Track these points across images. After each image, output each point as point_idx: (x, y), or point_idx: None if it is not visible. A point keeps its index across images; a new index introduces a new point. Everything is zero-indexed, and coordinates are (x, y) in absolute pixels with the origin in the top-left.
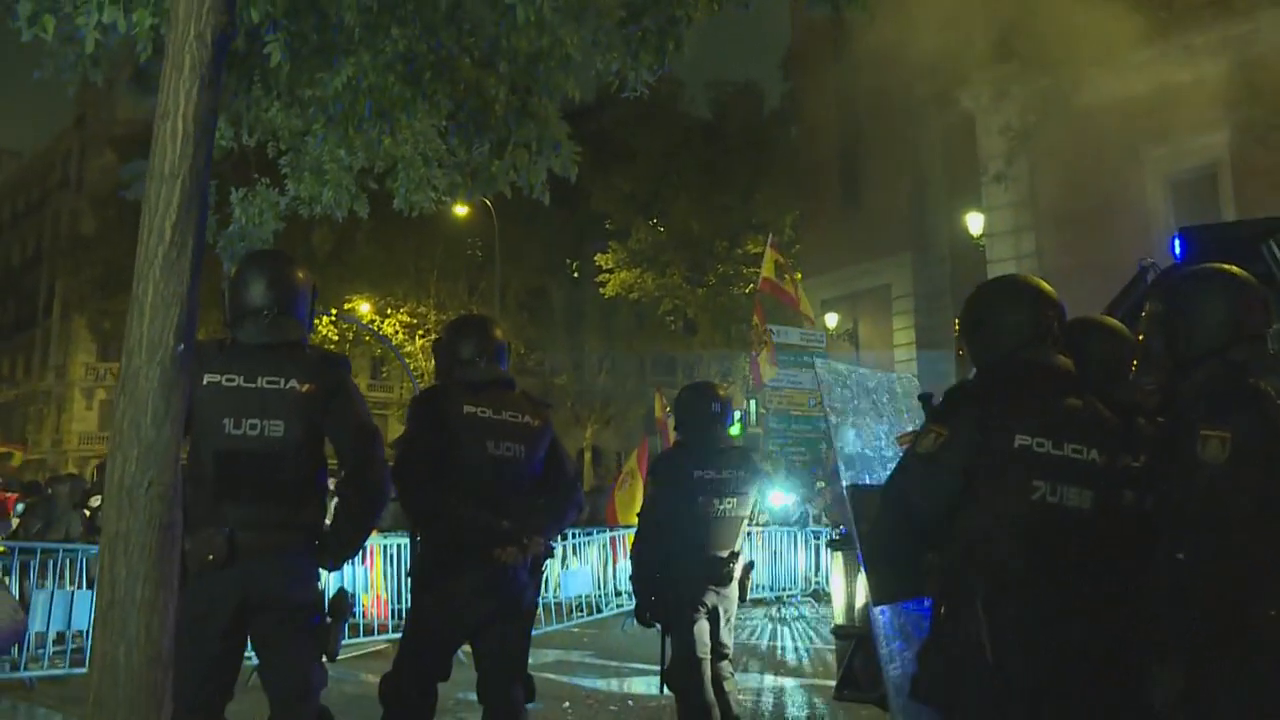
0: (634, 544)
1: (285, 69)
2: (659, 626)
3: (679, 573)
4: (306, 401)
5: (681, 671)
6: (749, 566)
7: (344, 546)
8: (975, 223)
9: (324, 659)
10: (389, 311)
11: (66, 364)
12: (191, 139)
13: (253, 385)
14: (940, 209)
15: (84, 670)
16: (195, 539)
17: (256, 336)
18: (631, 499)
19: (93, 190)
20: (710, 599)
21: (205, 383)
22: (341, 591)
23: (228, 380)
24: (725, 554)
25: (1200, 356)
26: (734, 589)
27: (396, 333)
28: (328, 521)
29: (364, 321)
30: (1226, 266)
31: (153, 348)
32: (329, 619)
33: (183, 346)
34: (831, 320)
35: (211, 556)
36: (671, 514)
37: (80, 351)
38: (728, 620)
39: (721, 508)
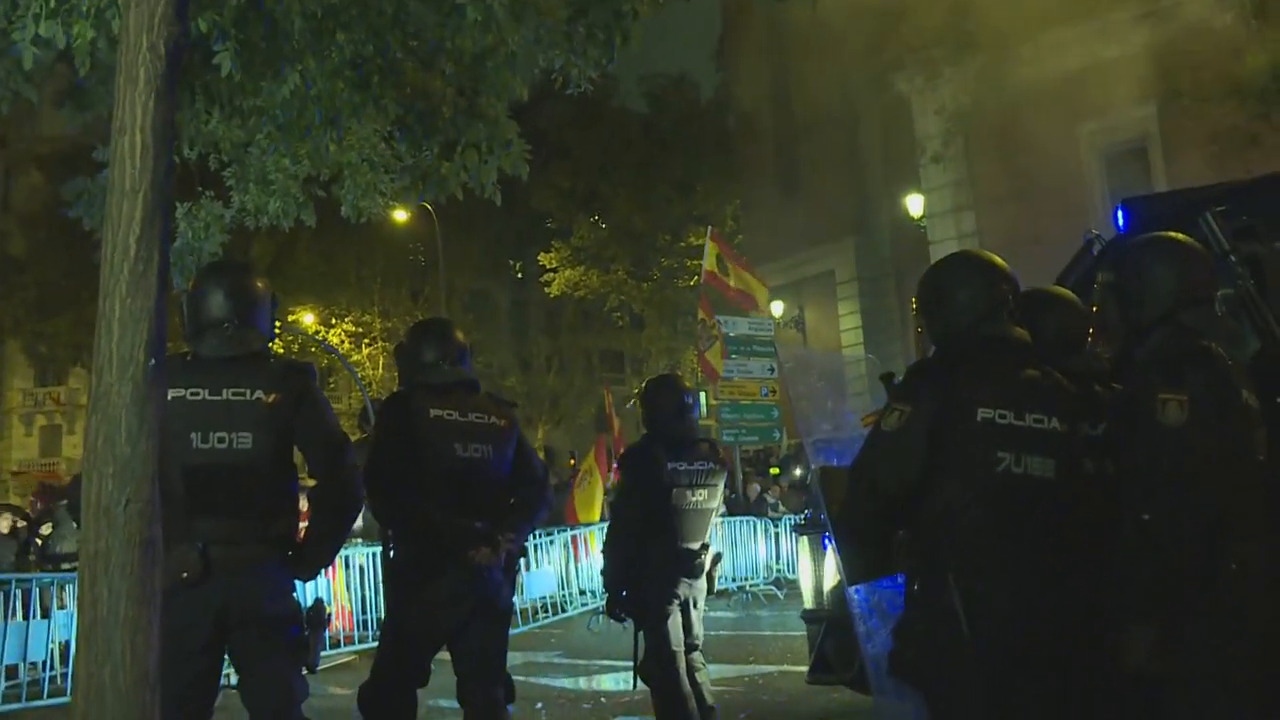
0: (607, 538)
1: (234, 79)
2: (629, 622)
3: (652, 566)
4: (272, 411)
5: (657, 665)
6: (717, 558)
7: (319, 556)
8: (915, 204)
9: (304, 670)
10: (334, 321)
11: (2, 390)
12: (151, 152)
13: (218, 397)
14: (880, 192)
15: (41, 702)
16: (168, 556)
17: (219, 349)
18: (591, 497)
19: (20, 211)
20: (683, 590)
21: (170, 397)
22: (319, 602)
23: (192, 394)
24: (697, 546)
25: (1153, 323)
26: (704, 580)
27: (342, 342)
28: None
29: (309, 333)
30: (1174, 234)
31: (123, 364)
32: (307, 630)
33: (154, 361)
34: (778, 309)
35: (186, 574)
36: (644, 507)
37: (16, 377)
38: (698, 611)
39: (694, 499)
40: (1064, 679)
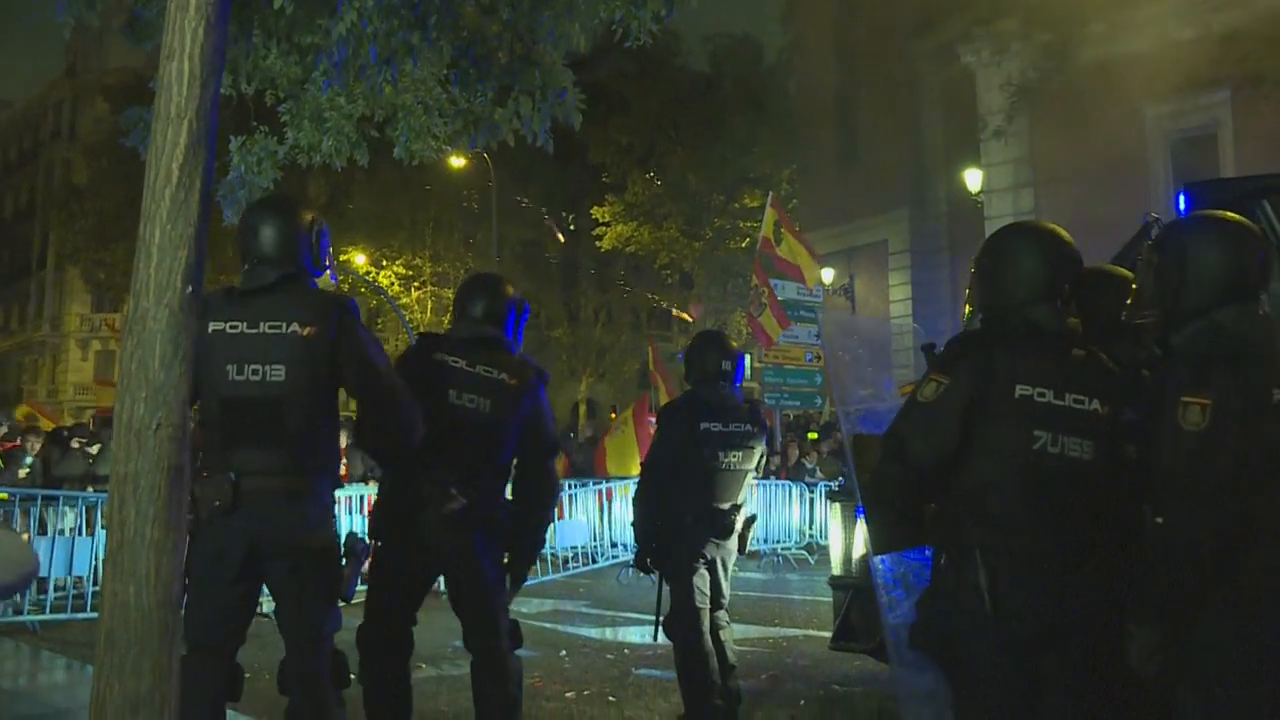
0: (638, 491)
1: (288, 12)
2: (656, 576)
3: (681, 523)
4: (307, 345)
5: (680, 621)
6: (750, 519)
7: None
8: (974, 179)
9: (339, 601)
10: (384, 263)
11: (61, 315)
12: (199, 79)
13: (255, 330)
14: (938, 165)
15: (84, 615)
16: (204, 484)
17: (251, 281)
18: (621, 448)
19: (85, 140)
20: (710, 550)
21: (210, 330)
22: (353, 534)
23: (231, 327)
24: (728, 506)
25: (1190, 315)
26: (734, 541)
27: (392, 284)
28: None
29: (359, 273)
30: (1227, 214)
31: (160, 290)
32: (344, 561)
33: (191, 289)
34: (828, 275)
35: (219, 502)
36: (676, 464)
37: (75, 302)
38: (726, 571)
39: (727, 460)
40: (1086, 662)
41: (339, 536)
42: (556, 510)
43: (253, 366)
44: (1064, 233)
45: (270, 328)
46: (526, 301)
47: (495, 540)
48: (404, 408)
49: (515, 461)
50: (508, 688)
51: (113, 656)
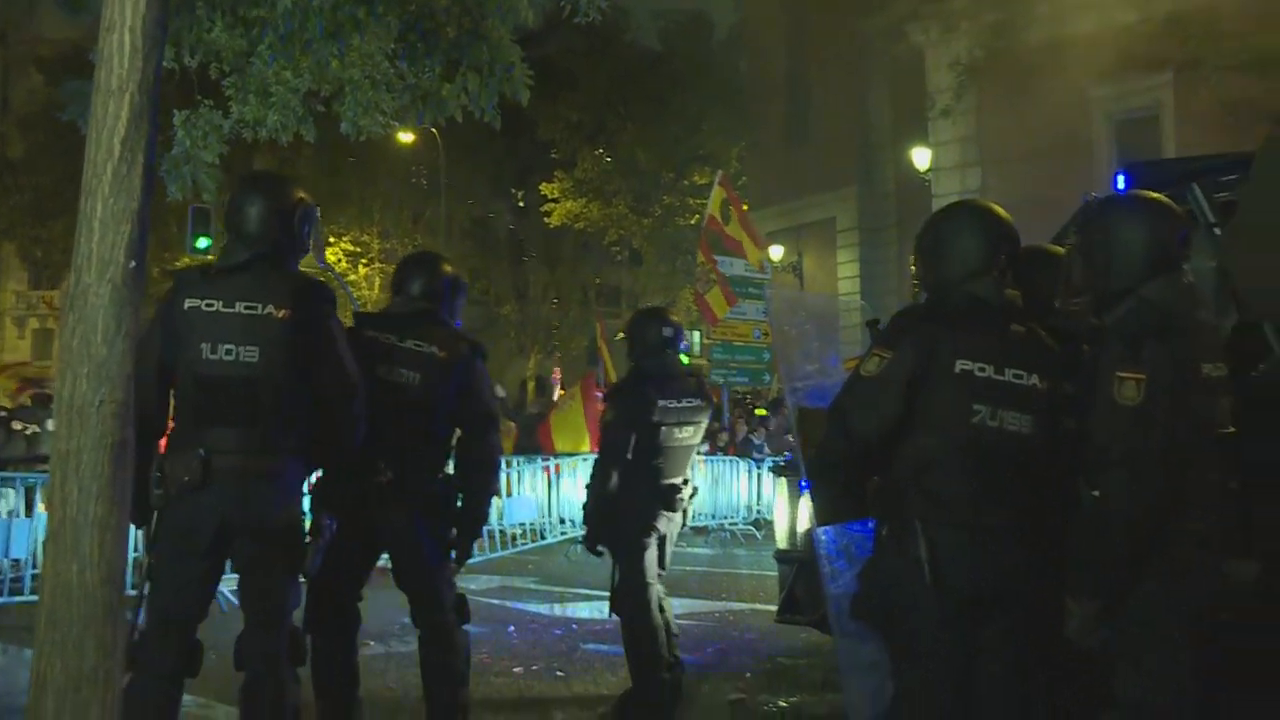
0: (595, 470)
1: None
2: (607, 554)
3: (633, 500)
4: (283, 327)
5: (629, 596)
6: (693, 492)
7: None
8: (922, 157)
9: (300, 578)
10: (331, 239)
11: None
12: (140, 52)
13: (231, 310)
14: (887, 143)
15: (21, 598)
16: (173, 461)
17: (236, 258)
18: (565, 425)
19: (19, 112)
20: (662, 524)
21: (186, 307)
22: (320, 513)
23: (207, 305)
24: (679, 481)
25: (1119, 293)
26: (679, 515)
27: (339, 260)
28: None
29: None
30: (1145, 194)
31: (103, 265)
32: (308, 540)
33: (134, 263)
34: (776, 253)
35: (187, 478)
36: (630, 442)
37: (10, 279)
38: (670, 544)
39: (679, 436)
40: (1025, 633)
41: (305, 515)
42: (505, 487)
43: (226, 346)
44: (1000, 210)
45: (246, 308)
46: (463, 280)
47: (436, 516)
48: (355, 405)
49: (456, 436)
50: (455, 662)
51: (54, 635)
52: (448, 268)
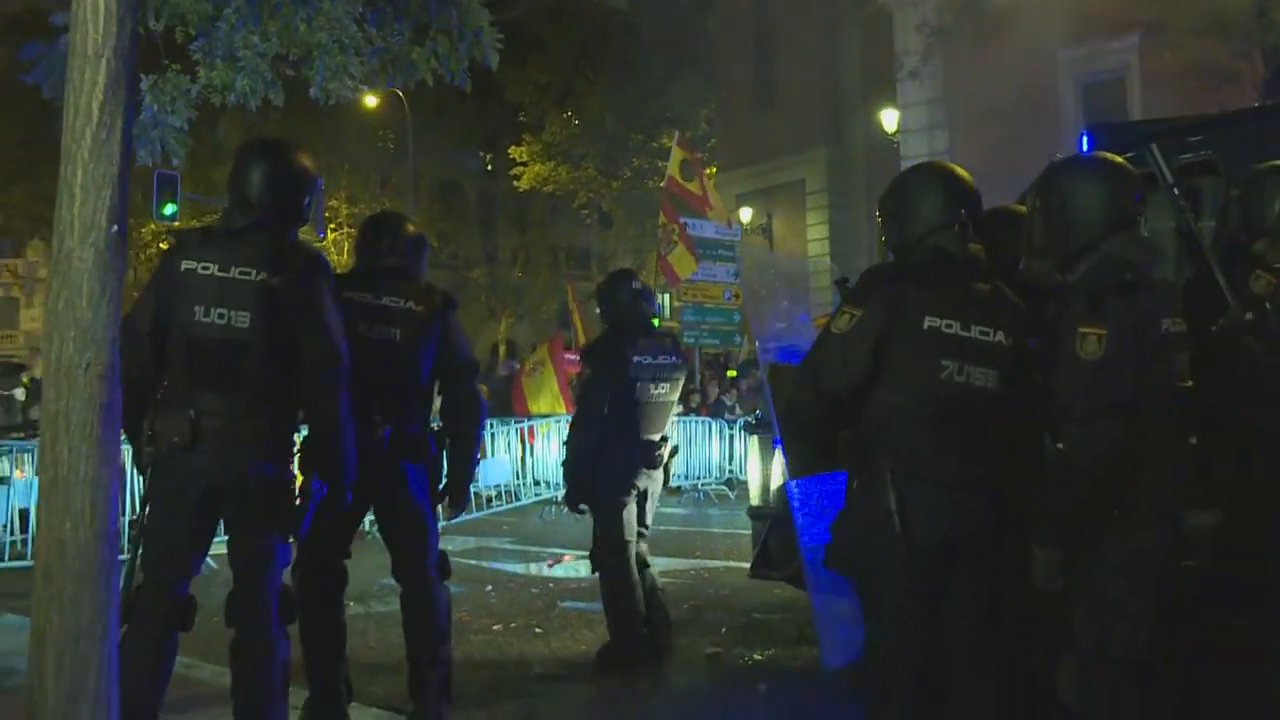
0: (571, 429)
1: None
2: (583, 513)
3: (612, 456)
4: (274, 294)
5: (608, 553)
6: (674, 450)
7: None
8: (890, 119)
9: (290, 539)
10: None
11: None
12: (114, 16)
13: (225, 274)
14: (856, 105)
15: (2, 564)
16: (164, 421)
17: (235, 222)
18: (539, 388)
19: None
20: (641, 481)
21: (183, 269)
22: (310, 475)
23: (203, 268)
24: (657, 437)
25: (1079, 251)
26: (660, 472)
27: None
28: None
29: None
30: (1100, 155)
31: (85, 230)
32: (298, 501)
33: (116, 228)
34: (746, 215)
35: (177, 438)
36: (607, 399)
37: None
38: (653, 502)
39: (656, 392)
40: (990, 581)
41: (294, 476)
42: (480, 450)
43: (219, 310)
44: (960, 169)
45: (241, 272)
46: (426, 237)
47: (423, 469)
48: (338, 373)
49: (438, 388)
50: (437, 619)
51: (51, 590)
52: (410, 226)
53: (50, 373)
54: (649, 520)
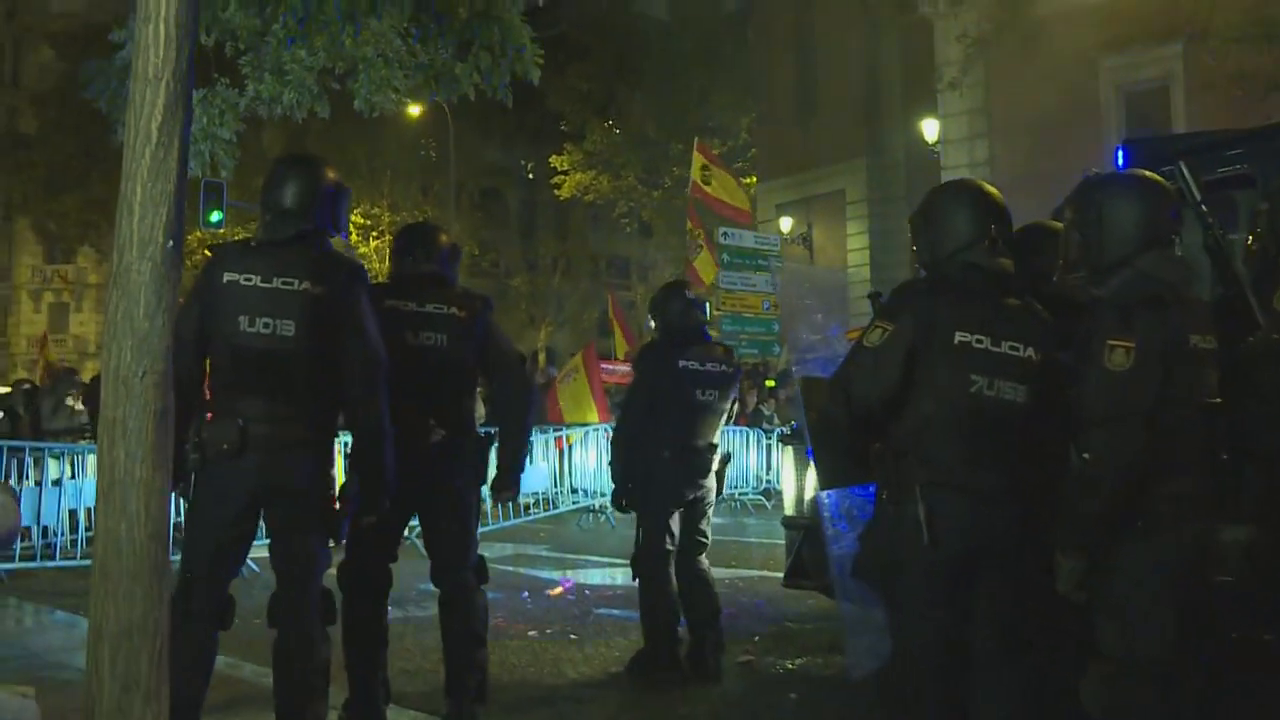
0: (616, 430)
1: None
2: (615, 522)
3: (659, 460)
4: (317, 303)
5: (649, 560)
6: (726, 458)
7: (362, 492)
8: (930, 129)
9: (330, 543)
10: None
11: (11, 266)
12: (174, 42)
13: (268, 285)
14: (896, 115)
15: (54, 563)
16: (212, 429)
17: (264, 234)
18: (574, 395)
19: (30, 88)
20: (689, 491)
21: (225, 281)
22: (352, 479)
23: (245, 279)
24: (704, 444)
25: (1112, 265)
26: (713, 480)
27: (350, 234)
28: None
29: None
30: (1136, 172)
31: (143, 244)
32: (338, 505)
33: (172, 242)
34: (786, 224)
35: (225, 445)
36: (653, 402)
37: (25, 254)
38: (708, 512)
39: (704, 399)
40: (1015, 589)
41: (335, 481)
42: (529, 437)
43: (264, 320)
44: (989, 186)
45: (284, 283)
46: (459, 247)
47: (470, 471)
48: (379, 379)
49: (486, 385)
50: (473, 624)
51: (107, 586)
52: (444, 236)
53: (108, 381)
54: (706, 530)
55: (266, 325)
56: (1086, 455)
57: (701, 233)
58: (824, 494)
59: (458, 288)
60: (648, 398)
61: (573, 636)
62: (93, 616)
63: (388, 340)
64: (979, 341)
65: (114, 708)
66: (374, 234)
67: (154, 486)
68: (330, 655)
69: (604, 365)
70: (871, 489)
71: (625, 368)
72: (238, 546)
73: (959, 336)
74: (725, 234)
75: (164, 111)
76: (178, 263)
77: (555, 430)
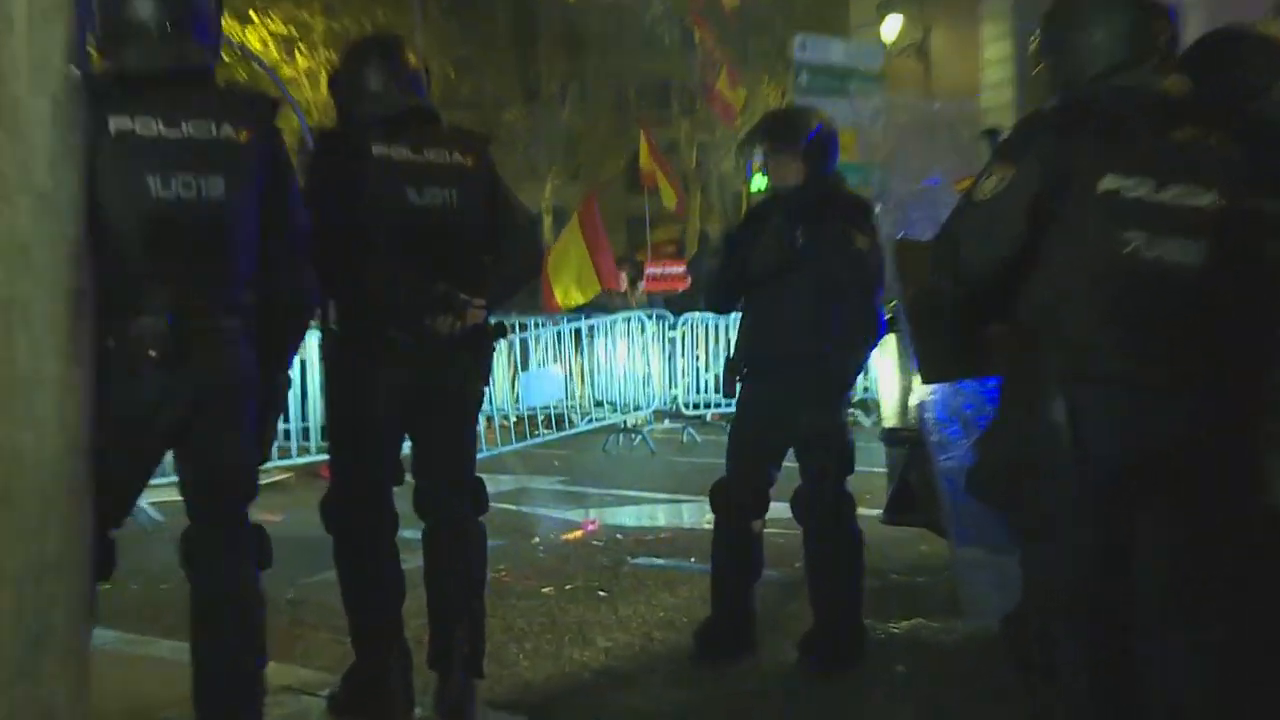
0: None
1: None
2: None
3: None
4: (244, 153)
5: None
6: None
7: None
8: None
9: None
10: (253, 16)
11: None
12: None
13: (176, 131)
14: None
15: None
16: (138, 328)
17: (146, 61)
18: (569, 269)
19: None
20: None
21: (113, 130)
22: (274, 382)
23: (143, 126)
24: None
25: None
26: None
27: (267, 48)
28: None
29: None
30: None
31: (36, 72)
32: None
33: (76, 70)
34: (893, 27)
35: (154, 352)
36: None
37: None
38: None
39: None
40: (1192, 509)
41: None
42: (520, 360)
43: (184, 179)
44: None
45: (195, 129)
46: (428, 69)
47: (483, 362)
48: (305, 247)
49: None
50: (471, 565)
51: (9, 516)
52: (412, 51)
53: (1, 252)
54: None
55: (188, 186)
56: None
57: (715, 46)
58: (927, 389)
59: (447, 126)
60: (763, 274)
61: (602, 593)
62: None
63: (384, 201)
64: (1134, 188)
65: (15, 671)
66: (300, 49)
67: (69, 385)
68: (265, 611)
69: (650, 269)
70: (991, 384)
71: (680, 268)
72: (146, 473)
73: (1107, 182)
74: (804, 44)
75: None
76: (83, 98)
77: (571, 320)
